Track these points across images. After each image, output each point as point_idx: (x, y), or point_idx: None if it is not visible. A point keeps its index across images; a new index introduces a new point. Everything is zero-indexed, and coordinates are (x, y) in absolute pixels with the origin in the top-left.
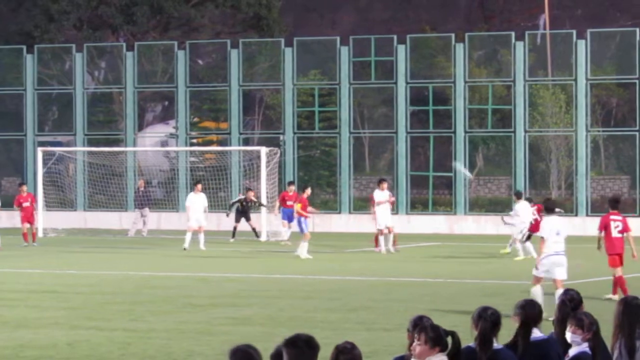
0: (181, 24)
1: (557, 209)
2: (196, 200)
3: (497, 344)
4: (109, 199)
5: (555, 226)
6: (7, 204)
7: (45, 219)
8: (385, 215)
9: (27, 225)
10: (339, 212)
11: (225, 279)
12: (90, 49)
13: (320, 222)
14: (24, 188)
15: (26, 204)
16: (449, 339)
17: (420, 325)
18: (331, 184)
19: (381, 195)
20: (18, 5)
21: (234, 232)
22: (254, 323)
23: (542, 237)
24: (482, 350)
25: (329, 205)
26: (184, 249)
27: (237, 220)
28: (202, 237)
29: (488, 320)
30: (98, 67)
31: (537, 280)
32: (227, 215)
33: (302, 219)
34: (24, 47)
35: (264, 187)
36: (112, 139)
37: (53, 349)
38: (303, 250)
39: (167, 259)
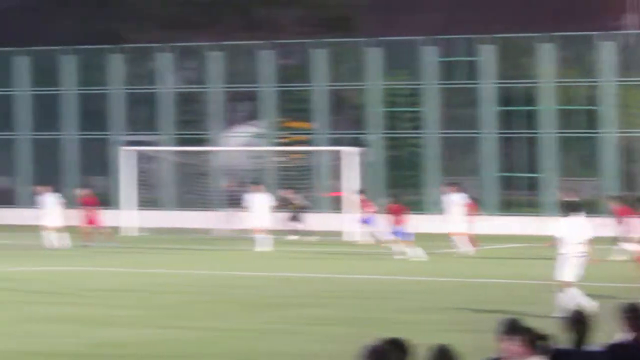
0: (267, 23)
1: (578, 210)
2: (259, 200)
3: (592, 346)
4: (195, 199)
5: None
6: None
7: (132, 218)
8: (459, 218)
9: (90, 225)
10: (424, 213)
11: (307, 279)
12: (176, 49)
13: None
14: (86, 190)
15: (88, 206)
16: (543, 342)
17: (515, 328)
18: (416, 184)
19: (455, 198)
20: (105, 5)
21: (294, 232)
22: (338, 323)
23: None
24: (577, 352)
25: (414, 206)
26: (260, 250)
27: (293, 220)
28: (262, 237)
29: (583, 323)
30: (184, 67)
31: (567, 284)
32: (291, 218)
33: (399, 227)
34: (110, 47)
35: (348, 187)
36: (198, 139)
37: (137, 347)
38: (416, 252)
39: (250, 259)
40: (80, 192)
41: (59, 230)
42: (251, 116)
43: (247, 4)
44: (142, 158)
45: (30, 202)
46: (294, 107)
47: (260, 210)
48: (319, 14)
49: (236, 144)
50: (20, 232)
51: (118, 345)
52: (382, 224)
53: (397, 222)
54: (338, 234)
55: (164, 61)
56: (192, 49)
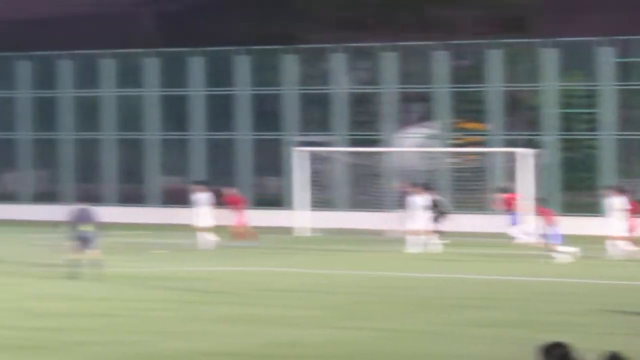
0: (442, 24)
1: None
2: (419, 202)
3: None
4: (368, 200)
5: None
6: (268, 203)
7: (305, 219)
8: (619, 221)
9: (239, 225)
10: (599, 215)
11: (471, 280)
12: (349, 49)
13: (580, 225)
14: (232, 190)
15: (234, 205)
16: None
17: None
18: (591, 186)
19: (616, 201)
20: (279, 6)
21: (438, 233)
22: (502, 325)
23: None
24: None
25: (589, 208)
26: (414, 252)
27: (437, 221)
28: (416, 239)
29: None
30: (357, 67)
31: None
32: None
33: (550, 228)
34: (284, 48)
35: (522, 189)
36: (371, 140)
37: (310, 348)
38: (568, 253)
39: (417, 260)
40: (226, 192)
41: (210, 230)
42: (425, 117)
43: (421, 4)
44: (315, 159)
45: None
46: (468, 108)
47: (416, 211)
48: (494, 14)
49: (409, 145)
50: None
51: (290, 345)
52: (535, 225)
53: (548, 224)
54: (501, 235)
55: (338, 62)
56: (366, 50)
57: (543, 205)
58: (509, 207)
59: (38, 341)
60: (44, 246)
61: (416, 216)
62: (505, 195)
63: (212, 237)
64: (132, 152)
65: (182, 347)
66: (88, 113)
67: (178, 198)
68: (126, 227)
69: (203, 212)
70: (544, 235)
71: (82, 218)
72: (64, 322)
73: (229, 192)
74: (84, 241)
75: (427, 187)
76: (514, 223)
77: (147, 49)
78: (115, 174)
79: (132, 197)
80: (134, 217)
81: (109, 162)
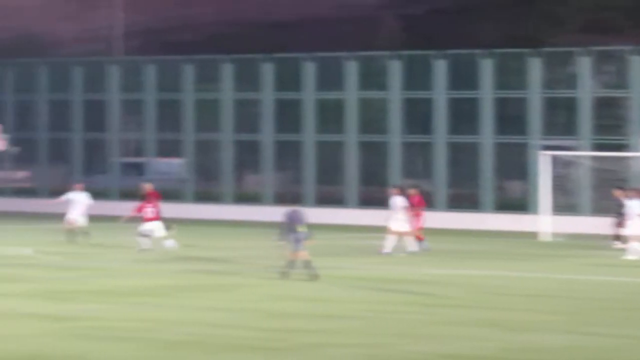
0: None
1: None
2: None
3: None
4: (612, 205)
5: None
6: (510, 207)
7: (549, 223)
8: None
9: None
10: None
11: None
12: (595, 52)
13: None
14: (414, 190)
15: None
16: None
17: None
18: None
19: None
20: (524, 9)
21: (619, 237)
22: None
23: None
24: None
25: None
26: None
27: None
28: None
29: None
30: (604, 71)
31: None
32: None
33: None
34: (529, 51)
35: None
36: (618, 145)
37: (556, 353)
38: None
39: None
40: (410, 193)
41: (402, 234)
42: None
43: None
44: (558, 163)
45: (448, 206)
46: None
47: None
48: None
49: None
50: (439, 235)
51: (537, 350)
52: None
53: None
54: None
55: (583, 65)
56: (612, 53)
57: None
58: None
59: (275, 342)
60: (274, 247)
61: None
62: None
63: (410, 242)
64: (374, 155)
65: (420, 350)
66: (330, 115)
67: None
68: (365, 229)
69: (398, 216)
70: None
71: (297, 219)
72: (300, 323)
73: (412, 192)
74: (298, 242)
75: None
76: None
77: (390, 51)
78: (356, 176)
79: (372, 199)
80: (373, 220)
81: (351, 164)
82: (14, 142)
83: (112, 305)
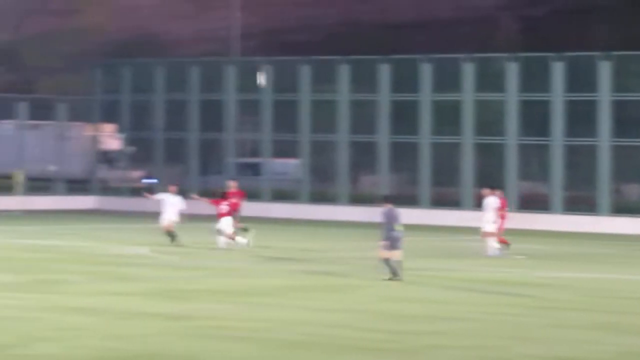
0: None
1: None
2: None
3: None
4: None
5: None
6: (627, 210)
7: None
8: None
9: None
10: None
11: None
12: None
13: None
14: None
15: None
16: None
17: None
18: None
19: None
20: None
21: None
22: None
23: None
24: None
25: None
26: None
27: None
28: None
29: None
30: None
31: None
32: None
33: None
34: None
35: None
36: None
37: None
38: None
39: None
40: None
41: (495, 235)
42: None
43: None
44: None
45: (565, 209)
46: None
47: None
48: None
49: None
50: (555, 238)
51: None
52: None
53: None
54: None
55: None
56: None
57: None
58: None
59: (391, 343)
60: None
61: None
62: None
63: (494, 244)
64: (490, 157)
65: (535, 354)
66: (447, 117)
67: (536, 204)
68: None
69: (489, 217)
70: None
71: (394, 218)
72: (413, 325)
73: (497, 194)
74: (395, 241)
75: None
76: None
77: (508, 53)
78: (472, 178)
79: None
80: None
81: (467, 166)
82: (130, 141)
83: (229, 304)
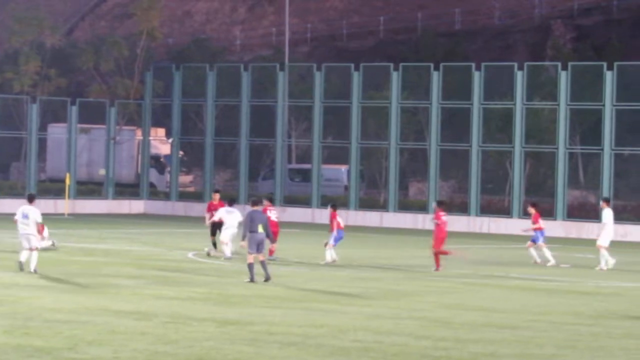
0: None
1: None
2: None
3: None
4: None
5: None
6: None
7: None
8: None
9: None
10: None
11: None
12: None
13: None
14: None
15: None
16: None
17: None
18: None
19: None
20: None
21: None
22: None
23: None
24: None
25: None
26: None
27: None
28: None
29: None
30: None
31: None
32: None
33: None
34: None
35: None
36: None
37: None
38: None
39: None
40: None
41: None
42: None
43: None
44: None
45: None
46: None
47: None
48: None
49: None
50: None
51: None
52: None
53: None
54: None
55: None
56: None
57: None
58: None
59: (445, 351)
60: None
61: None
62: None
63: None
64: (540, 165)
65: None
66: (497, 124)
67: (585, 212)
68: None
69: (608, 230)
70: None
71: None
72: (469, 333)
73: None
74: None
75: None
76: None
77: (560, 61)
78: (521, 186)
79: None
80: None
81: (516, 174)
82: (180, 146)
83: (280, 310)
